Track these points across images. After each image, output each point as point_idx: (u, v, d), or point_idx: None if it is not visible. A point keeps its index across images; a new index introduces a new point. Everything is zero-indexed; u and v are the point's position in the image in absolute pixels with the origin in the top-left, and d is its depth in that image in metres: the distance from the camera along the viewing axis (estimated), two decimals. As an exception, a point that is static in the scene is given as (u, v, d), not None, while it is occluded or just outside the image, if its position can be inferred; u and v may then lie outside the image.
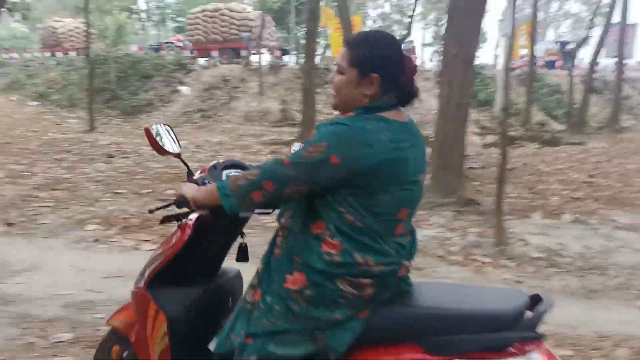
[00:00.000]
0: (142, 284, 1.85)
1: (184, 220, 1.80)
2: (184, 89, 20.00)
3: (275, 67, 19.84)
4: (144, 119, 18.48)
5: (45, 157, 8.14)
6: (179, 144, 1.96)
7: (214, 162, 1.96)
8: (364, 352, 1.48)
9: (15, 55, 26.59)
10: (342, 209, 1.45)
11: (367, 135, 1.41)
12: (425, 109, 17.36)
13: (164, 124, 1.98)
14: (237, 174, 1.81)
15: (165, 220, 1.83)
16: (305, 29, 13.22)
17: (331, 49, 20.18)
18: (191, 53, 22.56)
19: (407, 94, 1.54)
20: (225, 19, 22.04)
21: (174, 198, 1.68)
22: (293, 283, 1.48)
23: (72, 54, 24.99)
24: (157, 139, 1.86)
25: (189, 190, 1.64)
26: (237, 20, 21.94)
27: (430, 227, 5.43)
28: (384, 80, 1.49)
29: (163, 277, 1.82)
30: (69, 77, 22.62)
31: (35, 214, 5.22)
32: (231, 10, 22.39)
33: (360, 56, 1.51)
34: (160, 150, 1.86)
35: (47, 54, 25.46)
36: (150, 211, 1.86)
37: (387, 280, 1.49)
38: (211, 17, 22.36)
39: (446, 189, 6.35)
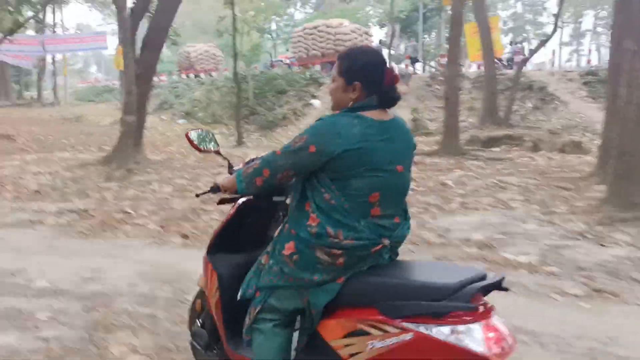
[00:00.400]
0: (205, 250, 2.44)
1: (235, 203, 2.32)
2: (316, 102, 20.50)
3: (404, 76, 19.60)
4: (279, 133, 19.21)
5: (204, 172, 8.64)
6: (217, 143, 2.46)
7: (251, 157, 2.40)
8: (338, 312, 1.83)
9: (163, 78, 29.31)
10: (322, 189, 1.80)
11: (337, 128, 1.77)
12: (571, 112, 16.02)
13: (203, 129, 2.48)
14: None
15: (222, 202, 2.30)
16: (448, 34, 12.79)
17: (468, 54, 19.43)
18: (294, 68, 24.19)
19: (389, 98, 1.87)
20: (323, 35, 23.13)
21: (211, 186, 2.16)
22: (287, 250, 1.86)
23: (214, 74, 27.04)
24: (196, 141, 2.36)
25: (220, 179, 2.14)
26: (333, 35, 22.83)
27: (616, 245, 4.82)
28: (365, 87, 1.84)
29: (219, 245, 2.37)
30: (211, 96, 24.25)
31: (206, 227, 5.50)
32: (327, 26, 23.44)
33: (345, 68, 1.88)
34: (199, 149, 2.38)
35: (192, 75, 27.88)
36: (197, 195, 2.43)
37: (357, 253, 1.79)
38: (310, 34, 23.66)
39: (628, 201, 5.64)
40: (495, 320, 1.66)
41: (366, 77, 1.85)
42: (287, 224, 1.93)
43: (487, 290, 1.70)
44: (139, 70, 8.32)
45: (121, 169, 8.05)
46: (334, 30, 22.80)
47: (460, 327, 1.59)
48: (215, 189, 2.12)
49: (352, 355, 1.76)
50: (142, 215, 6.03)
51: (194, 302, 2.63)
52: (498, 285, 1.70)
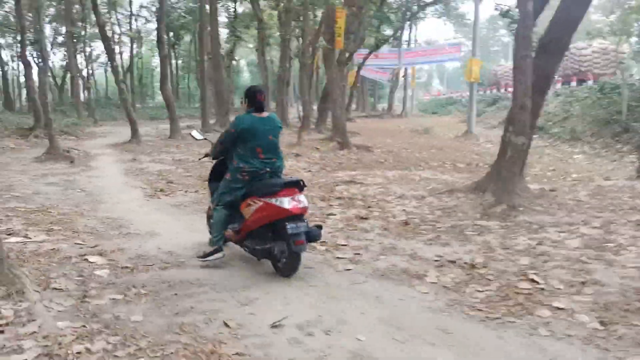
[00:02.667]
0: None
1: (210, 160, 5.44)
2: None
3: None
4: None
5: (614, 218, 6.13)
6: (203, 135, 5.68)
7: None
8: (246, 200, 4.70)
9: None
10: (238, 148, 4.71)
11: (241, 120, 4.70)
12: None
13: (197, 130, 5.99)
14: None
15: (201, 158, 5.83)
16: None
17: None
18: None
19: (259, 107, 4.72)
20: (569, 55, 24.37)
21: (204, 154, 5.57)
22: (227, 176, 4.86)
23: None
24: (195, 137, 5.57)
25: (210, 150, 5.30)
26: (577, 56, 25.18)
27: None
28: (249, 102, 4.76)
29: (211, 178, 5.32)
30: (569, 109, 21.25)
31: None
32: (574, 47, 24.70)
33: (244, 94, 4.82)
34: (196, 141, 5.62)
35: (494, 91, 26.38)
36: (199, 159, 6.37)
37: (253, 174, 4.67)
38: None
39: None
40: (300, 197, 4.45)
41: (249, 97, 4.73)
42: (228, 166, 4.83)
43: (298, 187, 4.51)
44: (535, 78, 6.44)
45: (502, 204, 6.33)
46: (578, 52, 25.05)
47: (279, 199, 4.38)
48: (206, 155, 5.31)
49: (246, 214, 4.65)
50: (557, 289, 4.04)
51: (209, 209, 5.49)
52: (299, 184, 4.51)
